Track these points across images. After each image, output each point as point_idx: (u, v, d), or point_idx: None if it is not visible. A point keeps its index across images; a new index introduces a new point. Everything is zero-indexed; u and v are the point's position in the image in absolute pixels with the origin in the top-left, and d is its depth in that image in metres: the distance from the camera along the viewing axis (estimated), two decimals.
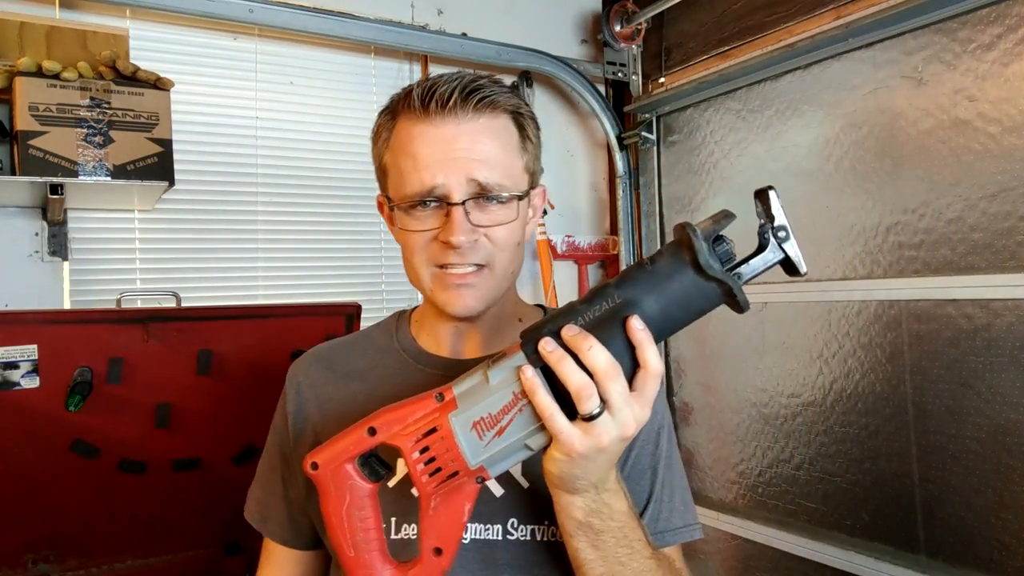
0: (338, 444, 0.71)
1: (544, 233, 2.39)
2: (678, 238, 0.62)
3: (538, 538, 0.83)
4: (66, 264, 1.78)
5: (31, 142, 1.51)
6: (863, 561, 1.83)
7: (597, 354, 0.62)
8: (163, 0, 1.78)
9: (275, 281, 2.08)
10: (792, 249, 0.63)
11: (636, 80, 2.51)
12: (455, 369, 0.89)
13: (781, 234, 0.63)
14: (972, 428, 1.65)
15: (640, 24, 2.44)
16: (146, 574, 1.56)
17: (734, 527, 2.19)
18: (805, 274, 0.63)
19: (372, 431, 0.69)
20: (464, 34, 2.29)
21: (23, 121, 1.50)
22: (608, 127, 2.51)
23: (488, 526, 0.83)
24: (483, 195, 0.82)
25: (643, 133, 2.47)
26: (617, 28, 2.46)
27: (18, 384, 1.39)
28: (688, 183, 2.39)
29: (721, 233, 0.63)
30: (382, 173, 0.89)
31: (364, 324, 1.71)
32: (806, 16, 2.01)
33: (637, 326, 0.62)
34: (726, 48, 2.25)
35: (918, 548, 1.76)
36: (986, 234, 1.63)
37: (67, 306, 1.77)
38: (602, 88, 2.56)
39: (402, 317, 1.00)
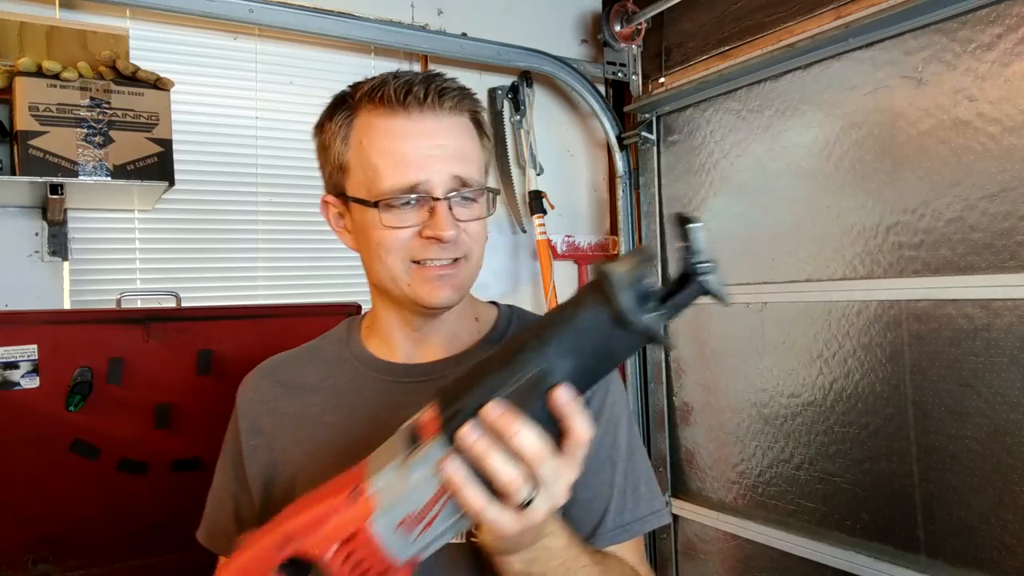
0: (247, 557, 0.65)
1: (544, 233, 2.39)
2: (597, 285, 0.57)
3: None
4: (66, 264, 1.78)
5: (31, 142, 1.51)
6: (863, 561, 1.83)
7: (525, 438, 0.57)
8: (163, 0, 1.78)
9: (275, 281, 2.08)
10: (714, 285, 0.58)
11: (636, 80, 2.51)
12: (411, 375, 0.89)
13: (704, 267, 0.58)
14: (972, 428, 1.65)
15: (640, 24, 2.44)
16: (146, 574, 1.56)
17: (734, 527, 2.19)
18: (728, 304, 0.61)
19: (284, 542, 0.63)
20: (464, 34, 2.29)
21: (23, 121, 1.50)
22: (608, 127, 2.51)
23: None
24: (462, 190, 0.83)
25: (643, 133, 2.47)
26: (617, 28, 2.46)
27: (18, 384, 1.39)
28: (688, 183, 2.39)
29: (647, 274, 0.58)
30: (341, 171, 0.87)
31: None
32: (806, 16, 2.01)
33: (563, 399, 0.58)
34: (726, 48, 2.25)
35: (918, 548, 1.76)
36: (986, 234, 1.63)
37: (67, 306, 1.77)
38: (602, 88, 2.56)
39: (352, 325, 0.99)
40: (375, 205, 0.82)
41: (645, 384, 2.50)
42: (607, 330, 0.57)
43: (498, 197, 0.96)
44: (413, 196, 0.82)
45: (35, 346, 1.40)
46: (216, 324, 1.57)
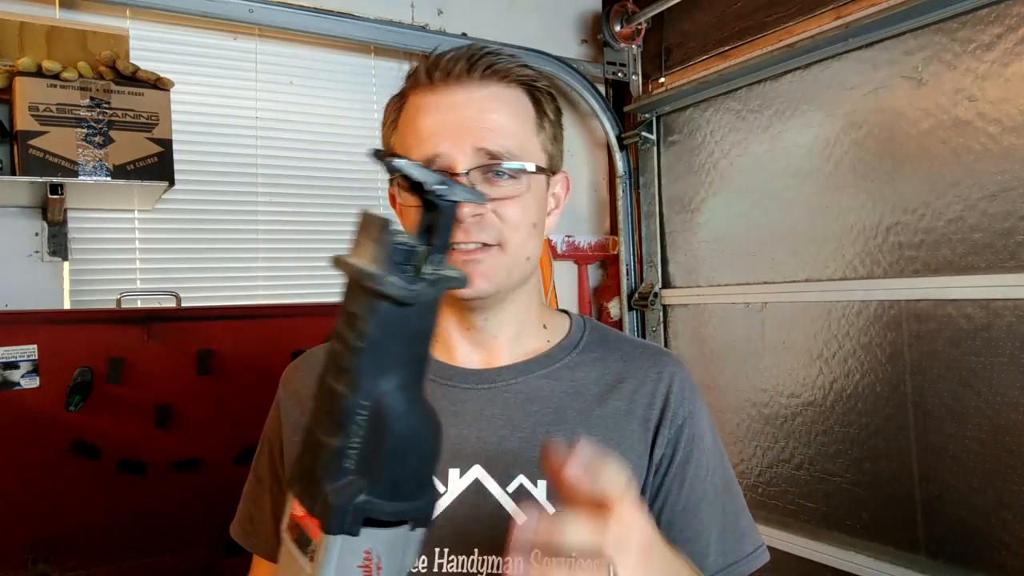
0: None
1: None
2: (359, 290, 0.48)
3: None
4: (66, 264, 1.78)
5: (31, 142, 1.51)
6: (863, 561, 1.83)
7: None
8: (163, 0, 1.78)
9: (275, 281, 2.08)
10: (458, 193, 0.51)
11: (636, 80, 2.51)
12: (468, 380, 0.80)
13: (438, 188, 0.51)
14: (972, 428, 1.65)
15: (640, 24, 2.44)
16: (146, 574, 1.56)
17: None
18: (484, 201, 0.56)
19: None
20: (464, 34, 2.29)
21: (23, 121, 1.50)
22: (608, 127, 2.51)
23: (507, 559, 0.75)
24: (492, 167, 0.74)
25: (643, 133, 2.47)
26: (617, 28, 2.46)
27: (18, 384, 1.39)
28: (688, 183, 2.38)
29: (392, 238, 0.49)
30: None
31: None
32: (806, 16, 2.01)
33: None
34: (726, 48, 2.25)
35: (918, 548, 1.76)
36: (986, 234, 1.63)
37: (67, 306, 1.77)
38: (602, 88, 2.56)
39: None
40: (400, 186, 0.77)
41: None
42: (402, 321, 0.48)
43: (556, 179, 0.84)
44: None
45: (35, 346, 1.40)
46: (216, 324, 1.57)
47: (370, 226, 0.49)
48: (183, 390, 1.53)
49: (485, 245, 0.75)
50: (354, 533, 0.48)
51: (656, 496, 0.79)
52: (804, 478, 2.02)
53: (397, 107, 0.81)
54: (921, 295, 1.74)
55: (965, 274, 1.66)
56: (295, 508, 0.52)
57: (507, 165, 0.75)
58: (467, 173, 0.73)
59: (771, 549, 2.24)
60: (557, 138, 0.82)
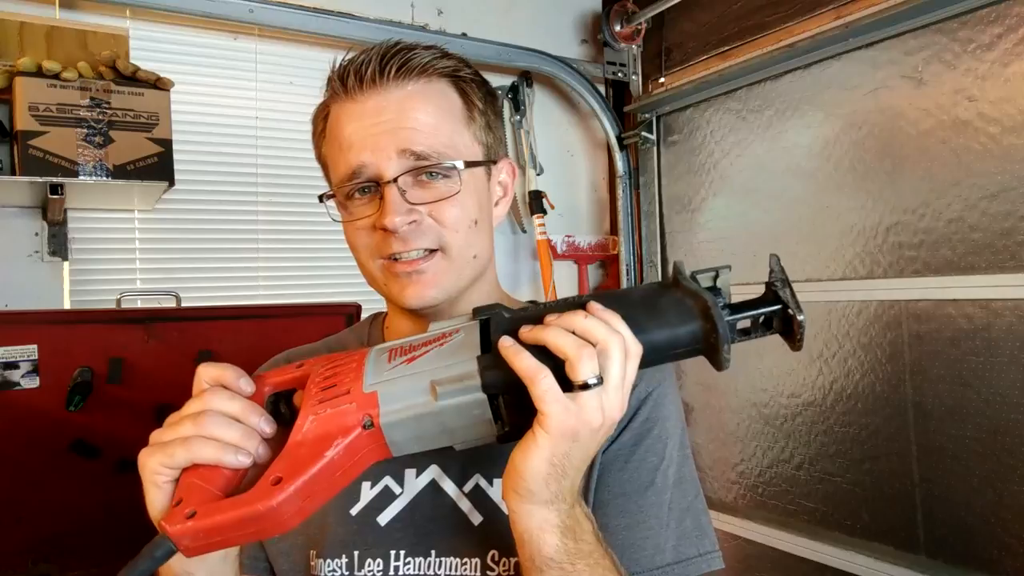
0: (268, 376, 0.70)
1: (544, 233, 2.39)
2: (682, 285, 0.60)
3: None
4: (66, 264, 1.78)
5: (31, 142, 1.51)
6: (863, 561, 1.83)
7: (621, 324, 0.55)
8: (163, 0, 1.78)
9: (275, 281, 2.08)
10: (786, 295, 0.61)
11: (636, 80, 2.51)
12: None
13: (777, 284, 0.62)
14: (972, 428, 1.65)
15: (640, 24, 2.44)
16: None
17: (734, 527, 2.19)
18: (800, 336, 0.59)
19: (300, 365, 0.67)
20: (464, 34, 2.29)
21: (23, 121, 1.50)
22: (608, 127, 2.51)
23: (465, 560, 0.72)
24: (422, 169, 0.72)
25: (643, 133, 2.47)
26: (617, 28, 2.46)
27: (18, 384, 1.39)
28: (688, 183, 2.38)
29: (717, 285, 0.61)
30: (324, 169, 0.81)
31: None
32: (806, 16, 2.01)
33: (597, 306, 0.56)
34: (726, 48, 2.25)
35: (918, 548, 1.76)
36: (986, 234, 1.63)
37: (67, 306, 1.77)
38: (602, 88, 2.56)
39: (376, 320, 0.91)
40: (337, 200, 0.76)
41: None
42: (663, 294, 0.59)
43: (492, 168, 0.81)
44: (360, 183, 0.73)
45: (35, 346, 1.40)
46: (216, 324, 1.57)
47: (716, 268, 0.61)
48: (183, 390, 1.51)
49: (427, 251, 0.73)
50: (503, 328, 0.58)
51: (593, 473, 0.75)
52: (804, 478, 2.02)
53: (323, 116, 0.79)
54: (921, 295, 1.74)
55: (965, 274, 1.66)
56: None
57: (437, 165, 0.72)
58: (396, 180, 0.71)
59: (771, 549, 2.23)
60: (492, 125, 0.79)
